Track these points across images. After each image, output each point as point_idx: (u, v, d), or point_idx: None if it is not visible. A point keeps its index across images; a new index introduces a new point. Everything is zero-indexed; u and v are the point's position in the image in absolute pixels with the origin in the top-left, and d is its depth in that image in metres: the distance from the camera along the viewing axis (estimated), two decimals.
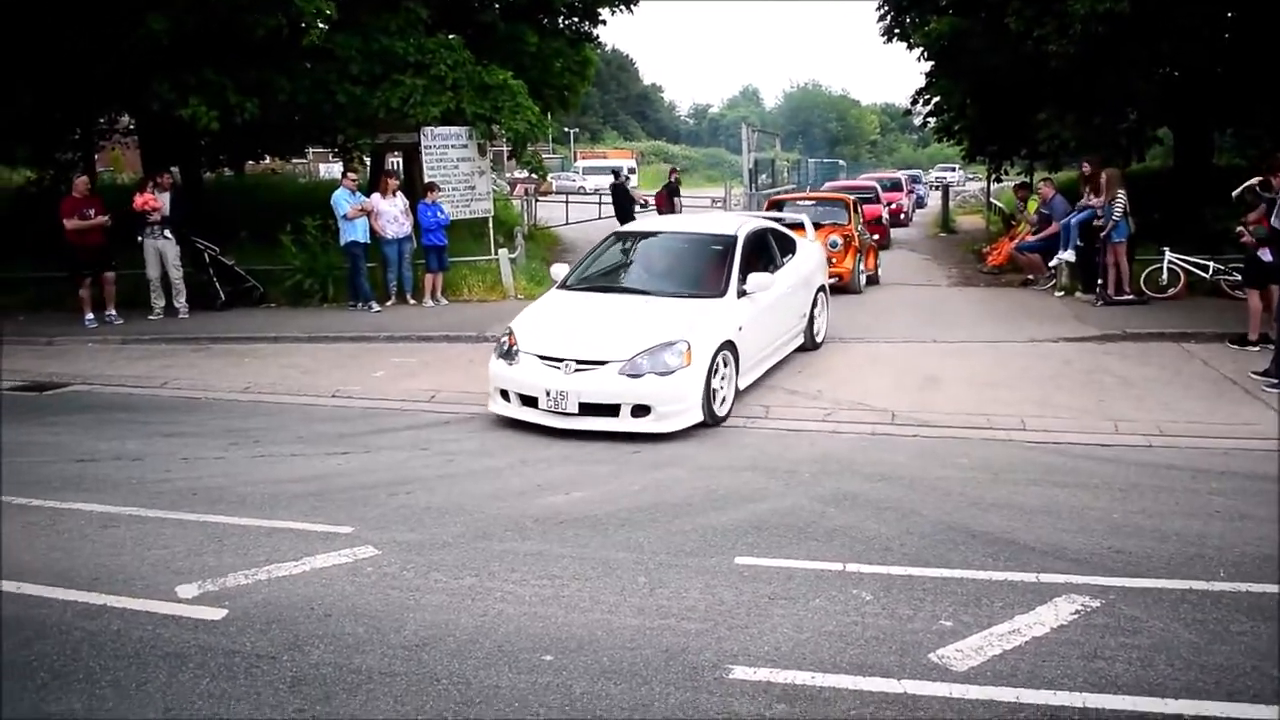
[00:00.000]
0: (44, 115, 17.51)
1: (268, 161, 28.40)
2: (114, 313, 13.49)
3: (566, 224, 28.66)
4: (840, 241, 15.01)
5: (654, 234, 10.33)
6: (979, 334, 11.70)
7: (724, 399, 8.17)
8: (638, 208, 24.45)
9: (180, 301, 13.84)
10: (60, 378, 10.65)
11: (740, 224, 9.75)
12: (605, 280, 9.40)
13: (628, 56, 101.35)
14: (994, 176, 25.98)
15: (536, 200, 28.61)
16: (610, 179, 26.69)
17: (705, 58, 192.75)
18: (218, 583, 5.02)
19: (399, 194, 14.39)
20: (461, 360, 10.82)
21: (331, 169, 38.39)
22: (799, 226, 11.61)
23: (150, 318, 13.63)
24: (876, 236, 18.84)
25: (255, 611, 4.69)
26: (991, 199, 27.34)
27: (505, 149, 24.83)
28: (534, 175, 18.65)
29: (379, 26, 15.01)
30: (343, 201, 13.82)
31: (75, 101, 16.98)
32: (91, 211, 13.15)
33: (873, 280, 16.62)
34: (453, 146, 15.48)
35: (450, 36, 16.34)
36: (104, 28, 13.56)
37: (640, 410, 7.63)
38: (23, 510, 6.29)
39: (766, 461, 7.15)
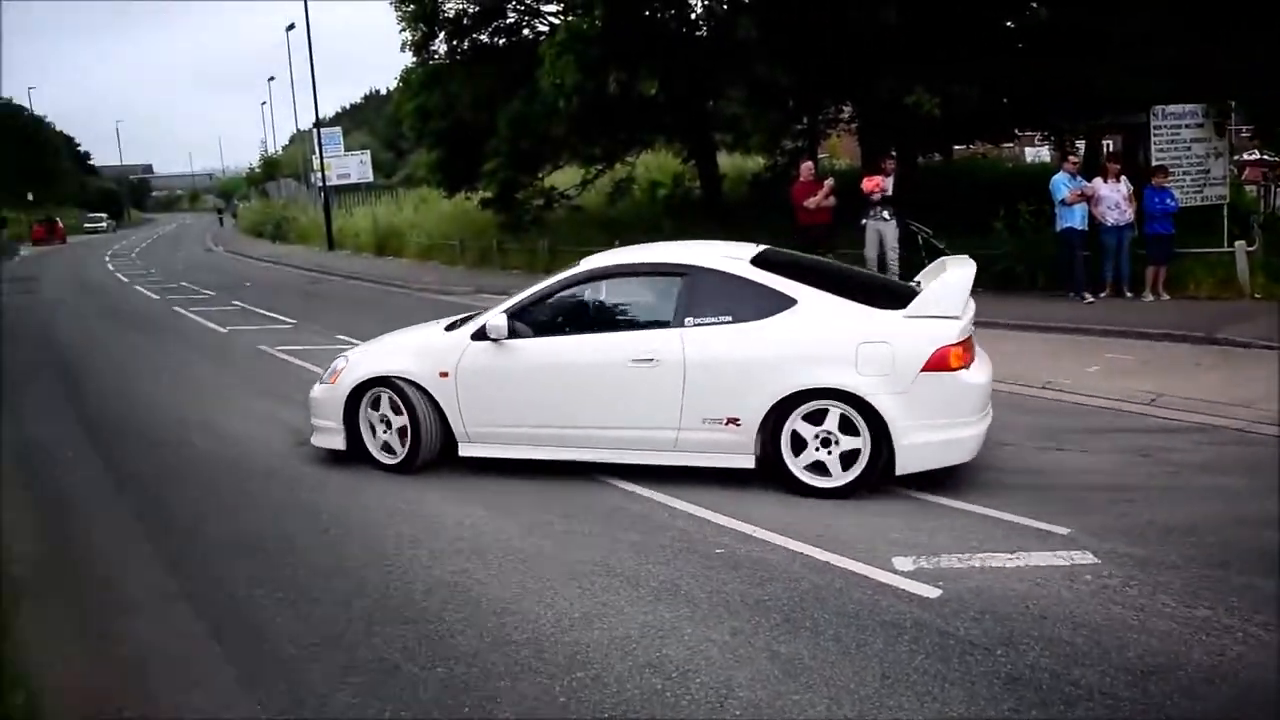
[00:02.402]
0: (780, 107, 19.52)
1: (975, 145, 28.51)
2: None
3: None
4: None
5: None
6: None
7: None
8: None
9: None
10: None
11: None
12: None
13: None
14: None
15: (1276, 186, 25.06)
16: None
17: None
18: (931, 561, 5.10)
19: (1122, 179, 13.49)
20: (1186, 363, 9.83)
21: (1039, 152, 37.50)
22: None
23: None
24: None
25: (968, 597, 4.67)
26: None
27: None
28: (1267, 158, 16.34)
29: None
30: (1062, 186, 13.32)
31: (807, 94, 18.60)
32: (822, 193, 14.22)
33: None
34: (1186, 126, 14.11)
35: None
36: (839, 25, 14.59)
37: None
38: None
39: None
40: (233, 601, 5.04)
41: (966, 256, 7.10)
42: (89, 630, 4.82)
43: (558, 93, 17.87)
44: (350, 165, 48.86)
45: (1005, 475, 6.56)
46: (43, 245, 53.43)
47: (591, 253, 7.58)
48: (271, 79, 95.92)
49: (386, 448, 7.17)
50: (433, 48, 24.95)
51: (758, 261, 6.67)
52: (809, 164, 15.42)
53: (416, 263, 28.11)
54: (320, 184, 40.59)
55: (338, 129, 55.77)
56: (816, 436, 6.16)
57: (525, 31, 24.47)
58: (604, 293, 7.01)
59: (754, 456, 6.36)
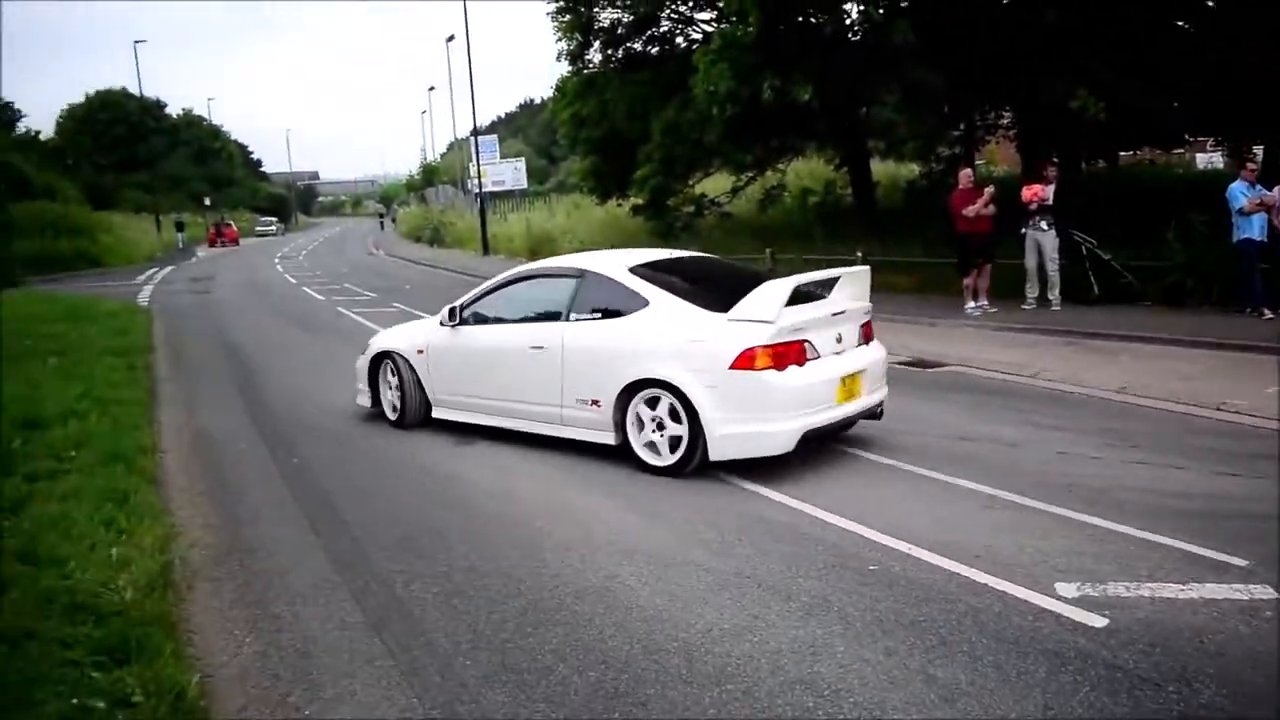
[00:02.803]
0: (936, 112, 19.10)
1: (1143, 151, 27.23)
2: (986, 301, 14.12)
3: None
4: None
5: None
6: None
7: None
8: None
9: (1053, 294, 13.98)
10: (941, 357, 11.45)
11: None
12: None
13: None
14: None
15: None
16: None
17: None
18: (1097, 588, 4.88)
19: None
20: None
21: (1211, 159, 35.54)
22: None
23: (1023, 307, 14.01)
24: None
25: (1137, 628, 4.45)
26: None
27: None
28: None
29: None
30: (1239, 194, 12.60)
31: (964, 98, 18.13)
32: (981, 201, 13.84)
33: None
34: None
35: None
36: (998, 27, 14.17)
37: None
38: (913, 477, 6.91)
39: None
40: (390, 594, 5.21)
41: (867, 268, 7.92)
42: (257, 616, 5.06)
43: (711, 100, 17.91)
44: (505, 172, 50.13)
45: (1177, 500, 6.23)
46: (217, 247, 56.47)
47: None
48: (432, 88, 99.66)
49: (393, 407, 9.08)
50: (588, 57, 25.39)
51: (638, 268, 7.74)
52: (968, 171, 15.02)
53: None
54: (476, 190, 41.76)
55: (494, 137, 57.35)
56: (653, 420, 7.16)
57: (679, 40, 24.65)
58: (524, 292, 8.38)
59: (614, 434, 7.41)
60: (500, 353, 8.19)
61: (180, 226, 59.03)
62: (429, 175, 78.82)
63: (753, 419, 6.74)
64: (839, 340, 7.26)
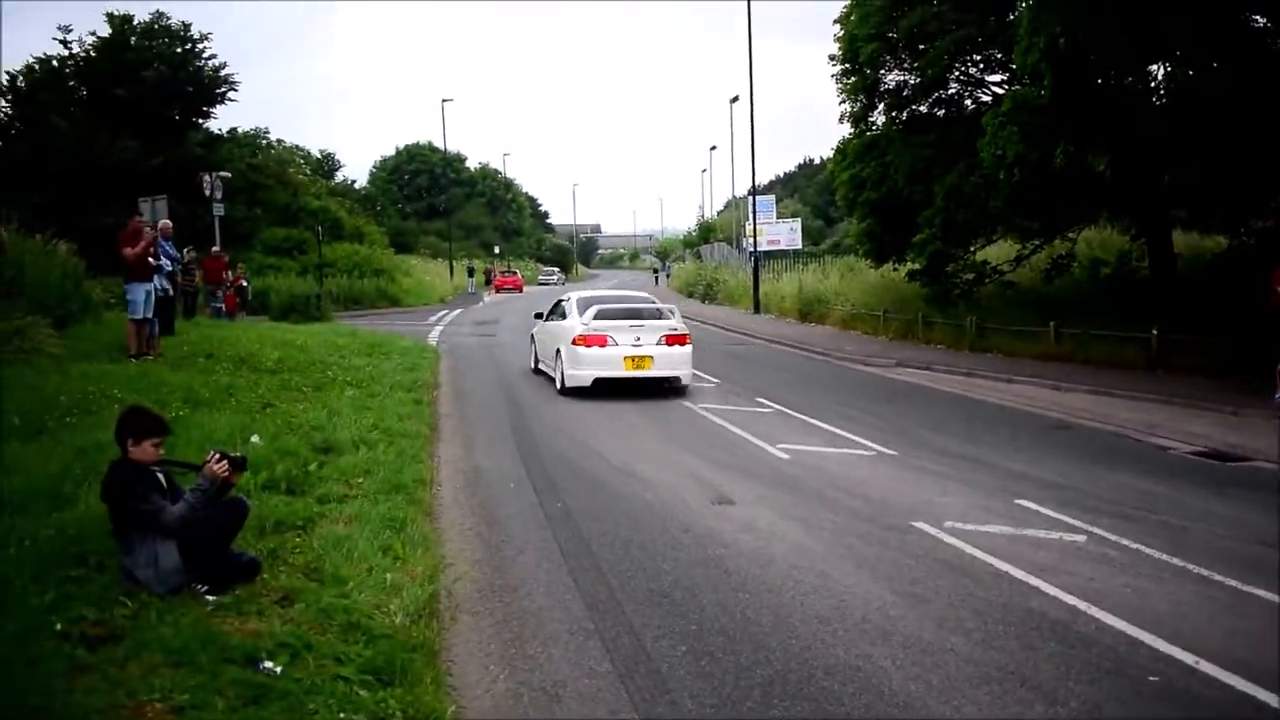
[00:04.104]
0: (1250, 180, 17.55)
1: None
2: None
3: None
4: None
5: None
6: None
7: None
8: None
9: None
10: (1242, 450, 10.45)
11: None
12: None
13: None
14: None
15: None
16: None
17: None
18: None
19: None
20: None
21: None
22: None
23: None
24: None
25: None
26: None
27: None
28: None
29: None
30: None
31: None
32: None
33: None
34: None
35: None
36: None
37: None
38: (1204, 582, 6.32)
39: None
40: (640, 647, 5.25)
41: (672, 321, 15.70)
42: (513, 654, 5.23)
43: (998, 164, 17.35)
44: (781, 232, 50.46)
45: None
46: (503, 293, 59.88)
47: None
48: (713, 148, 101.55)
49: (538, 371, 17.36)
50: (871, 119, 25.21)
51: (580, 299, 16.03)
52: None
53: (838, 331, 28.28)
54: (751, 248, 42.20)
55: (771, 196, 57.97)
56: (558, 365, 15.51)
57: (967, 102, 24.05)
58: (549, 306, 17.47)
59: (555, 373, 15.64)
60: (542, 331, 17.35)
61: (471, 272, 63.08)
62: (705, 232, 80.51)
63: (574, 368, 14.68)
64: (637, 340, 14.62)
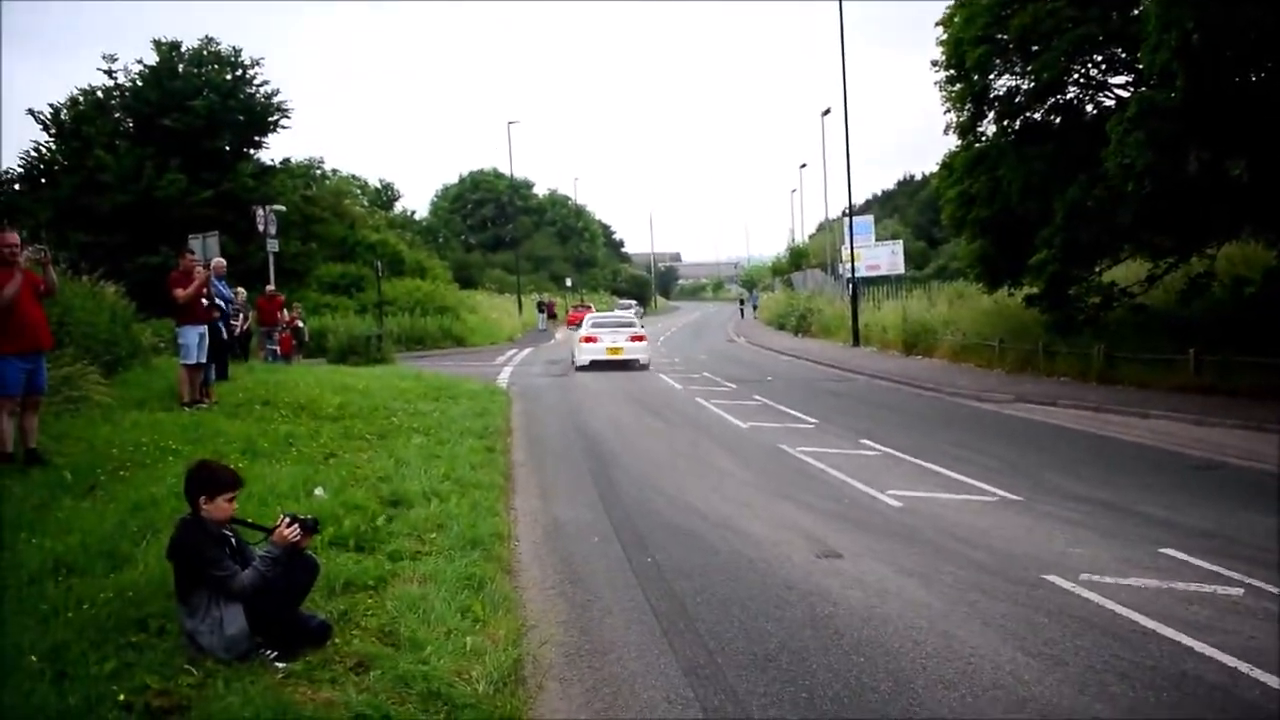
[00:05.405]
0: None
1: None
2: None
3: None
4: None
5: None
6: None
7: None
8: None
9: None
10: None
11: None
12: None
13: None
14: None
15: None
16: None
17: None
18: None
19: None
20: None
21: None
22: None
23: None
24: None
25: None
26: None
27: None
28: None
29: None
30: None
31: None
32: None
33: None
34: None
35: None
36: None
37: None
38: None
39: None
40: (746, 717, 5.22)
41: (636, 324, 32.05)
42: None
43: (1125, 175, 17.07)
44: (881, 255, 50.10)
45: None
46: (576, 328, 60.54)
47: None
48: (803, 165, 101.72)
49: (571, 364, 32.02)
50: (980, 129, 25.02)
51: (592, 314, 40.10)
52: None
53: (948, 363, 27.98)
54: (848, 274, 41.95)
55: (869, 217, 57.65)
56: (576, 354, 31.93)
57: (1088, 107, 23.74)
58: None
59: (573, 362, 31.32)
60: (570, 339, 35.24)
61: (541, 307, 63.82)
62: (796, 258, 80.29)
63: (579, 355, 30.06)
64: (615, 339, 29.70)
